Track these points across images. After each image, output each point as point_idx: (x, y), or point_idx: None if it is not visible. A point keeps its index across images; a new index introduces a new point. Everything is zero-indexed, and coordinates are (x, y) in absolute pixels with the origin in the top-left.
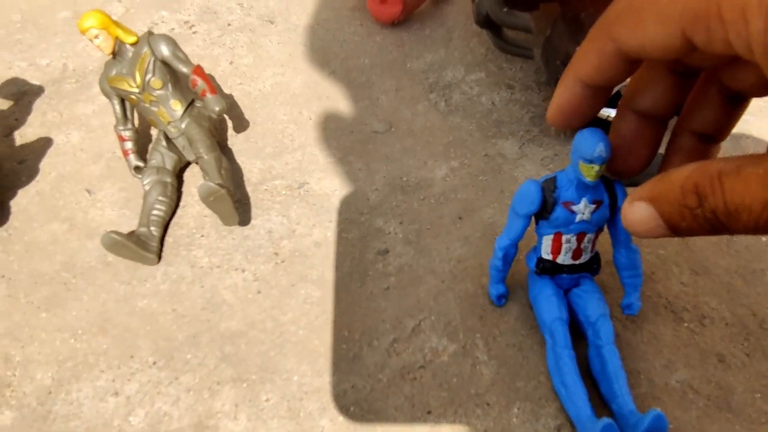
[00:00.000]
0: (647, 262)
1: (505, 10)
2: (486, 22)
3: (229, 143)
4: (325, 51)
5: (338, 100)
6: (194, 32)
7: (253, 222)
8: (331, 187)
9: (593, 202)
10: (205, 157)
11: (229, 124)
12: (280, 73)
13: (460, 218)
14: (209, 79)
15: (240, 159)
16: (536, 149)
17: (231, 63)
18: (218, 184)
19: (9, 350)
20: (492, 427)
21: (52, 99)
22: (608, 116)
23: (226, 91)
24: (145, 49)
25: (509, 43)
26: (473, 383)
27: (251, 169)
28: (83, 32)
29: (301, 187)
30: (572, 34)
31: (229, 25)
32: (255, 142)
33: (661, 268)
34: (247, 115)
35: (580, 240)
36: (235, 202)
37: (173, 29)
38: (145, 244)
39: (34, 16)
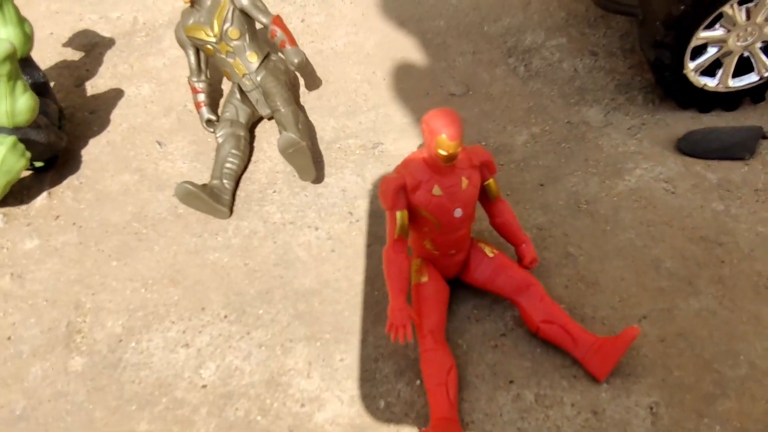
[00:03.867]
0: (745, 239)
1: None
2: None
3: (302, 101)
4: (399, 11)
5: (413, 62)
6: None
7: (326, 180)
8: (407, 148)
9: None
10: (282, 110)
11: (301, 81)
12: (353, 33)
13: (541, 185)
14: (289, 30)
15: (313, 117)
16: (622, 118)
17: (302, 21)
18: (297, 136)
19: (80, 297)
20: (579, 401)
21: (122, 51)
22: (705, 85)
23: None
24: None
25: (612, 0)
26: (559, 354)
27: (324, 127)
28: None
29: (375, 147)
30: None
31: None
32: (328, 100)
33: (762, 247)
34: (319, 73)
35: None
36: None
37: None
38: (218, 197)
39: None
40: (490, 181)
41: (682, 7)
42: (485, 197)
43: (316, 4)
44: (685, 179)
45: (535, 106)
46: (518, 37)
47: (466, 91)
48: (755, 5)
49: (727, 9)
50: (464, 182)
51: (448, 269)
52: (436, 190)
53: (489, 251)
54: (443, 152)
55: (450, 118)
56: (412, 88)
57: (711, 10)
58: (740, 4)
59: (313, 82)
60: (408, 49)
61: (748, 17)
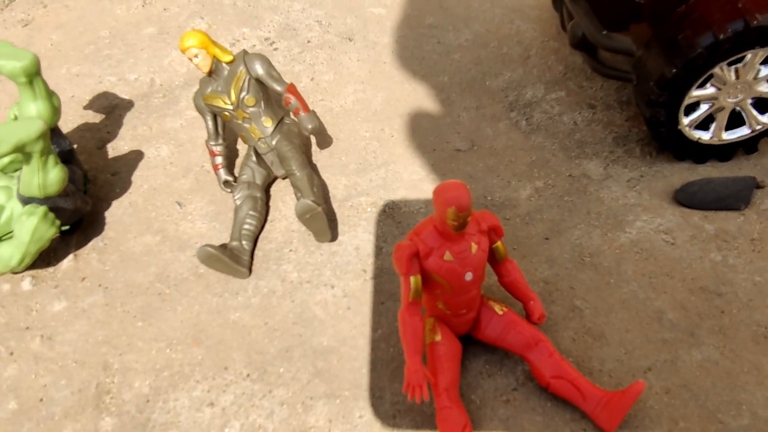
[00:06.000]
0: (743, 289)
1: (604, 32)
2: (582, 44)
3: (314, 159)
4: (404, 69)
5: (420, 118)
6: (275, 49)
7: (340, 238)
8: (416, 205)
9: None
10: (298, 174)
11: (313, 140)
12: (361, 90)
13: (546, 239)
14: (302, 98)
15: (325, 175)
16: (621, 170)
17: (312, 79)
18: (313, 202)
19: (108, 358)
20: None
21: (141, 113)
22: (699, 138)
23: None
24: (241, 68)
25: (606, 65)
26: (569, 408)
27: (336, 185)
28: (183, 51)
29: (386, 204)
30: (669, 57)
31: (308, 42)
32: (339, 158)
33: (759, 296)
34: (329, 131)
35: None
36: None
37: (254, 46)
38: (238, 258)
39: (121, 32)
40: (498, 243)
41: (674, 70)
42: (493, 258)
43: (324, 62)
44: (684, 230)
45: (537, 160)
46: (519, 91)
47: (471, 147)
48: (743, 65)
49: (717, 70)
50: (474, 247)
51: (459, 327)
52: (447, 256)
53: (498, 309)
54: (453, 222)
55: (459, 191)
56: (419, 144)
57: (702, 72)
58: (729, 64)
59: (324, 141)
60: (414, 106)
61: (737, 76)
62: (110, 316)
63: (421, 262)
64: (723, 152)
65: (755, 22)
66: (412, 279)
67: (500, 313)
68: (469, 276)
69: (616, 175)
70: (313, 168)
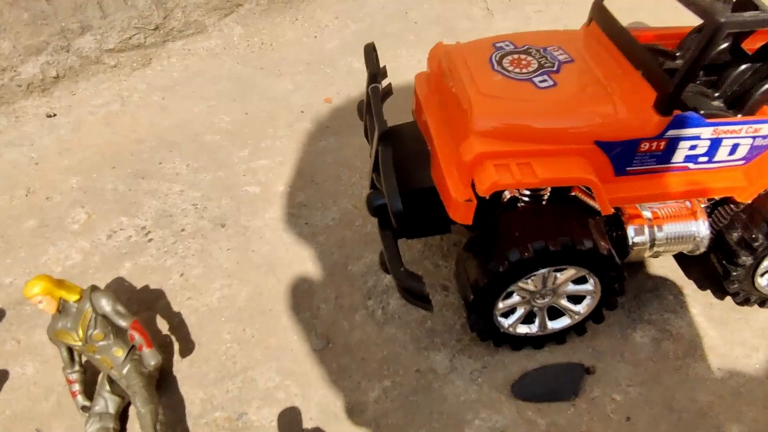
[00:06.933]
0: None
1: (402, 269)
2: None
3: (174, 369)
4: (271, 257)
5: (281, 313)
6: (149, 240)
7: None
8: (268, 417)
9: None
10: (142, 410)
11: (176, 347)
12: (228, 285)
13: None
14: (146, 333)
15: (183, 389)
16: (466, 361)
17: (182, 275)
18: None
19: None
20: None
21: (11, 324)
22: (527, 333)
23: (175, 308)
24: (87, 306)
25: (410, 294)
26: None
27: (193, 399)
28: (28, 298)
29: (239, 418)
30: (468, 280)
31: (182, 230)
32: (199, 367)
33: None
34: (193, 335)
35: None
36: None
37: (130, 237)
38: None
39: (1, 228)
40: None
41: (472, 297)
42: None
43: (196, 254)
44: (518, 427)
45: (389, 354)
46: (378, 275)
47: (326, 345)
48: (537, 277)
49: (514, 287)
50: None
51: None
52: None
53: None
54: None
55: None
56: (277, 344)
57: (499, 293)
58: (525, 280)
59: (187, 347)
60: (276, 300)
61: (537, 286)
62: None
63: None
64: (556, 337)
65: (526, 254)
66: None
67: None
68: None
69: (460, 367)
70: (171, 382)
